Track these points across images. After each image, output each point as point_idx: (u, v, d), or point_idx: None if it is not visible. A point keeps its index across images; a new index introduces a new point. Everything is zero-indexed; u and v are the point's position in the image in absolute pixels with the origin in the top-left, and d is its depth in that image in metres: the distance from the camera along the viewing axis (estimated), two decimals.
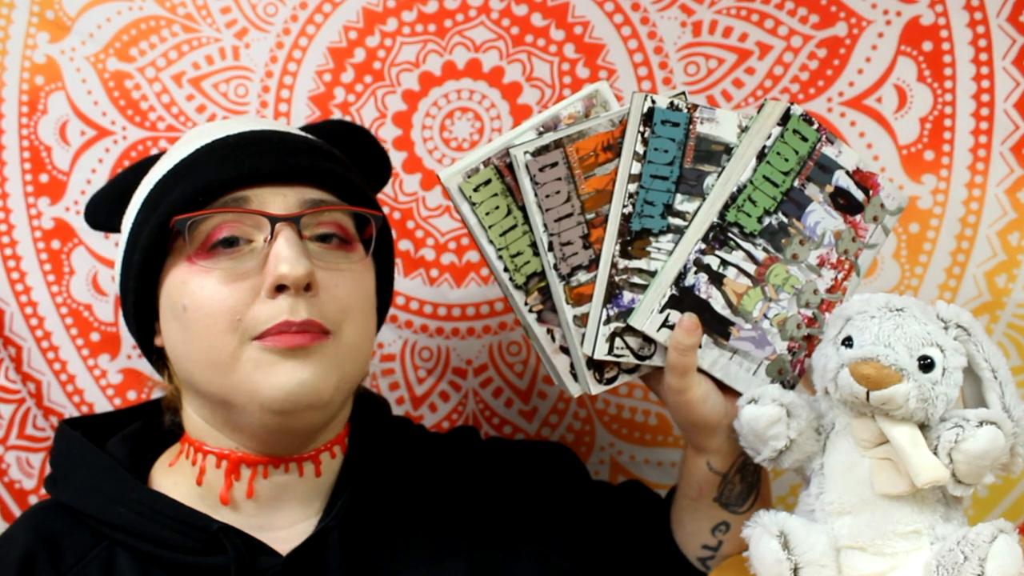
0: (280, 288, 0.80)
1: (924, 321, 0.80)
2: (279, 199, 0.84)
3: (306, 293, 0.81)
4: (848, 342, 0.81)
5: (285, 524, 0.86)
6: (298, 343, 0.80)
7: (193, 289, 0.83)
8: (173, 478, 0.89)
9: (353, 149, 0.97)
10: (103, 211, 0.95)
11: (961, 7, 1.11)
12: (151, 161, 0.93)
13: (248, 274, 0.82)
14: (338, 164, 0.89)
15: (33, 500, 1.17)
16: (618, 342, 0.87)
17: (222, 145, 0.86)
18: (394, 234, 1.15)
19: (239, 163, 0.84)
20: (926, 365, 0.78)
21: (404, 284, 1.18)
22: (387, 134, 1.16)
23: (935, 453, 0.78)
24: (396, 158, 1.17)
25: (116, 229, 0.93)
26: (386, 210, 1.17)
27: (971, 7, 1.11)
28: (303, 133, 0.93)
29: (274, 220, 0.82)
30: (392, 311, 1.18)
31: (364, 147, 1.00)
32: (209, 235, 0.83)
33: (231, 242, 0.83)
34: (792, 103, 0.89)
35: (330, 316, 0.82)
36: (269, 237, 0.82)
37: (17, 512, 1.17)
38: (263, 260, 0.81)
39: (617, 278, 0.86)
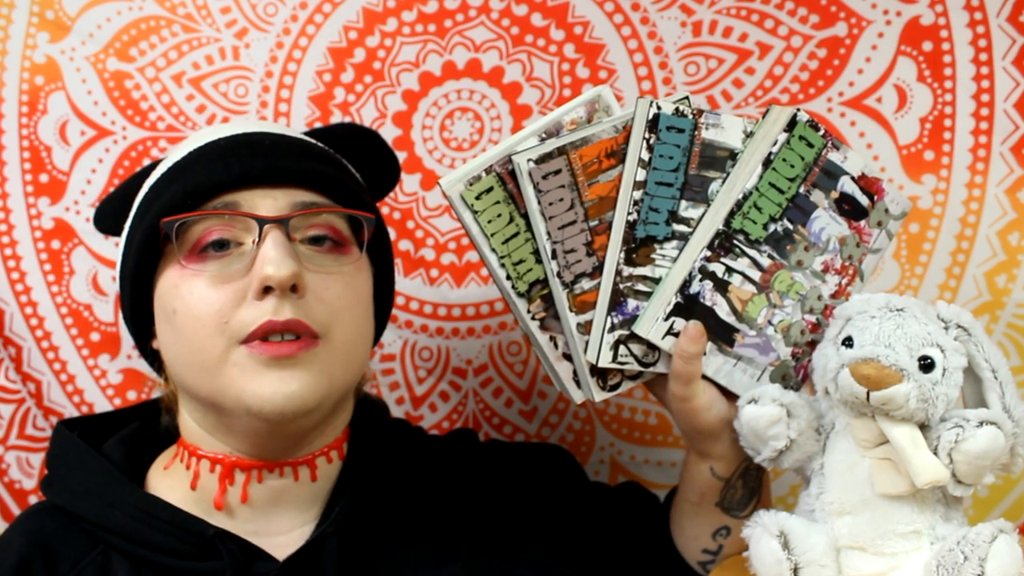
0: (267, 290, 0.80)
1: (924, 321, 0.80)
2: (269, 201, 0.83)
3: (293, 295, 0.80)
4: (848, 342, 0.81)
5: (282, 529, 0.86)
6: (284, 352, 0.79)
7: (183, 292, 0.82)
8: (168, 481, 0.88)
9: (361, 153, 0.96)
10: (109, 215, 0.95)
11: (961, 7, 1.11)
12: (156, 165, 0.92)
13: (236, 276, 0.81)
14: (332, 166, 0.88)
15: (33, 500, 1.17)
16: (622, 349, 0.86)
17: (213, 148, 0.86)
18: (393, 234, 1.15)
19: (228, 166, 0.83)
20: (926, 365, 0.78)
21: (404, 284, 1.18)
22: (387, 134, 1.16)
23: (935, 453, 0.78)
24: None
25: (120, 233, 0.94)
26: (386, 210, 1.17)
27: (971, 7, 1.10)
28: (300, 136, 0.92)
29: (262, 222, 0.81)
30: (392, 311, 1.18)
31: (372, 150, 0.99)
32: (199, 239, 0.82)
33: (221, 245, 0.82)
34: (799, 109, 0.88)
35: (318, 319, 0.81)
36: (257, 239, 0.81)
37: (17, 512, 1.17)
38: (251, 262, 0.81)
39: (621, 286, 0.86)
